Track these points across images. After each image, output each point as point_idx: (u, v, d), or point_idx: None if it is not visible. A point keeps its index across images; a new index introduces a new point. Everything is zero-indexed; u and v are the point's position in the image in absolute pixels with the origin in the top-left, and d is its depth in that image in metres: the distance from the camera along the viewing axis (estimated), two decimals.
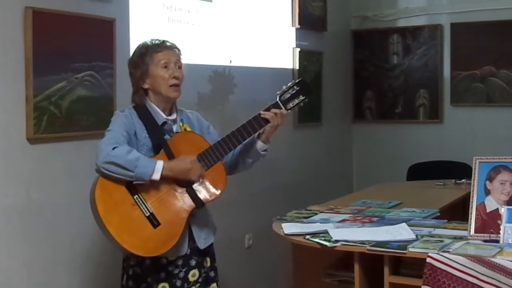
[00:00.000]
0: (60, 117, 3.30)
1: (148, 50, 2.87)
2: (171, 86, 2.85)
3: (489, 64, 5.57)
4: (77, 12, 3.38)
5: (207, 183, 2.83)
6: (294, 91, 2.94)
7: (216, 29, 4.41)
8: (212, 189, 2.84)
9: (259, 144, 2.97)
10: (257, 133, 2.94)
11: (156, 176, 2.69)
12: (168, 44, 2.91)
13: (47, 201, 3.28)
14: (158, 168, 2.69)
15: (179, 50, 2.94)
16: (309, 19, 5.40)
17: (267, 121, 2.89)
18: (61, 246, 3.35)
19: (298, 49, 5.26)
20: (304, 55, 5.33)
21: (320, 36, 5.62)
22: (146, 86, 2.87)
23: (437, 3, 5.91)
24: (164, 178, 2.72)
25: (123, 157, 2.66)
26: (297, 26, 5.24)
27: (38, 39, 3.16)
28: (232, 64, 4.58)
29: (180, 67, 2.90)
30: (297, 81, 2.99)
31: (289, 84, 2.97)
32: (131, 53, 3.00)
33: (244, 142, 2.92)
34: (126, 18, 3.70)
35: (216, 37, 4.42)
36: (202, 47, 4.28)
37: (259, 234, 4.73)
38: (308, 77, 5.27)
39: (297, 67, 5.23)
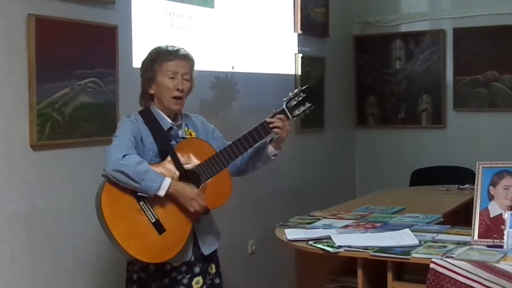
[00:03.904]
0: (63, 124, 3.31)
1: (158, 57, 2.87)
2: (173, 97, 2.86)
3: (492, 69, 5.55)
4: (80, 19, 3.38)
5: (213, 190, 2.83)
6: (301, 98, 2.93)
7: (219, 35, 4.42)
8: (218, 196, 2.84)
9: (270, 149, 2.97)
10: (269, 138, 2.94)
11: (161, 192, 2.69)
12: (181, 53, 2.89)
13: (50, 208, 3.28)
14: (164, 185, 2.69)
15: (192, 60, 2.92)
16: (311, 25, 5.40)
17: (273, 128, 2.89)
18: (64, 253, 3.35)
19: (300, 55, 5.26)
20: (306, 61, 5.33)
21: (322, 41, 5.63)
22: (151, 91, 2.88)
23: (440, 8, 5.89)
24: (167, 196, 2.72)
25: (132, 168, 2.66)
26: (299, 32, 5.24)
27: (41, 46, 3.17)
28: (234, 70, 4.58)
29: (187, 80, 2.89)
30: (303, 87, 2.97)
31: (295, 91, 2.96)
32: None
33: (255, 146, 2.92)
34: (128, 24, 3.70)
35: (219, 43, 4.42)
36: (205, 53, 4.28)
37: (262, 240, 4.72)
38: (310, 83, 5.25)
39: (300, 73, 5.23)
